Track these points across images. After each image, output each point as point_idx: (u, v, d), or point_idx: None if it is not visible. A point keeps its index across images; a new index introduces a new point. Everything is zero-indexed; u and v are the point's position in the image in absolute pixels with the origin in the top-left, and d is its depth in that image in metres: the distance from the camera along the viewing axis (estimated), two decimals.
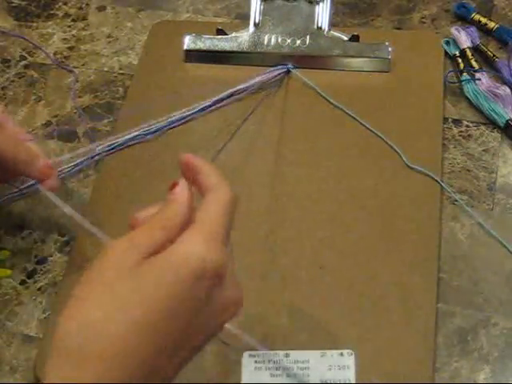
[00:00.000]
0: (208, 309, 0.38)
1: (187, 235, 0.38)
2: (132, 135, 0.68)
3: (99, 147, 0.67)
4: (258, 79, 0.70)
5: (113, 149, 0.68)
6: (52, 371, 0.35)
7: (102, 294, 0.36)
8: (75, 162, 0.67)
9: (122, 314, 0.35)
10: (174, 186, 0.41)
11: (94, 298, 0.37)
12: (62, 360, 0.35)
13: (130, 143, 0.68)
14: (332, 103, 0.68)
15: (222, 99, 0.70)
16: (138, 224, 0.41)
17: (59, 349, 0.35)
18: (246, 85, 0.70)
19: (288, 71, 0.71)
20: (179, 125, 0.69)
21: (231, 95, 0.70)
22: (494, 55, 0.70)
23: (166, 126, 0.69)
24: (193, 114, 0.69)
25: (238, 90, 0.70)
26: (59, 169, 0.66)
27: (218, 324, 0.40)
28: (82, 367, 0.34)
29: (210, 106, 0.70)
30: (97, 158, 0.68)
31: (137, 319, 0.35)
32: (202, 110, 0.69)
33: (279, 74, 0.71)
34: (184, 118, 0.69)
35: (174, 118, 0.69)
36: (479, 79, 0.68)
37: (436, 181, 0.62)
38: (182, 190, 0.41)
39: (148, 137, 0.68)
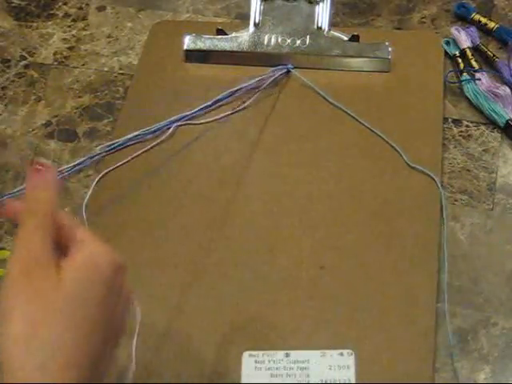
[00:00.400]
0: (122, 295, 0.42)
1: (87, 240, 0.42)
2: (132, 135, 0.68)
3: (99, 147, 0.68)
4: (257, 79, 0.70)
5: (113, 149, 0.68)
6: None
7: (25, 304, 0.38)
8: (75, 162, 0.67)
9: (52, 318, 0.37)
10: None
11: (18, 309, 0.38)
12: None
13: (129, 143, 0.68)
14: (332, 103, 0.68)
15: (221, 99, 0.70)
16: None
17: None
18: (246, 85, 0.70)
19: (288, 71, 0.71)
20: (179, 125, 0.69)
21: (231, 95, 0.70)
22: (493, 55, 0.70)
23: (165, 126, 0.69)
24: (193, 114, 0.69)
25: (237, 90, 0.70)
26: (59, 169, 0.67)
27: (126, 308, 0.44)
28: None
29: (209, 105, 0.70)
30: (97, 158, 0.68)
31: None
32: (202, 109, 0.69)
33: (279, 75, 0.71)
34: (184, 118, 0.69)
35: (173, 118, 0.69)
36: (479, 79, 0.68)
37: (436, 181, 0.62)
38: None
39: (148, 137, 0.68)
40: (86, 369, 0.37)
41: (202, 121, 0.69)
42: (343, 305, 0.56)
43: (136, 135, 0.68)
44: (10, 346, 0.36)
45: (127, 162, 0.67)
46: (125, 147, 0.68)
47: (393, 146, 0.64)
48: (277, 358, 0.53)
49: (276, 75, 0.70)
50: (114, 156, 0.67)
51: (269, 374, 0.53)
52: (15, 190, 0.66)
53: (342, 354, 0.53)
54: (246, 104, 0.69)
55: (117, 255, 0.42)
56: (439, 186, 0.61)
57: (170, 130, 0.68)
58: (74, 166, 0.67)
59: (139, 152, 0.67)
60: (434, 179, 0.62)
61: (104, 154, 0.68)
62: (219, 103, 0.70)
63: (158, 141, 0.68)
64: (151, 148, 0.68)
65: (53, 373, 0.36)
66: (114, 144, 0.68)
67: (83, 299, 0.38)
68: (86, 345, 0.37)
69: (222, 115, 0.69)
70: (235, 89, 0.70)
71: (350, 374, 0.52)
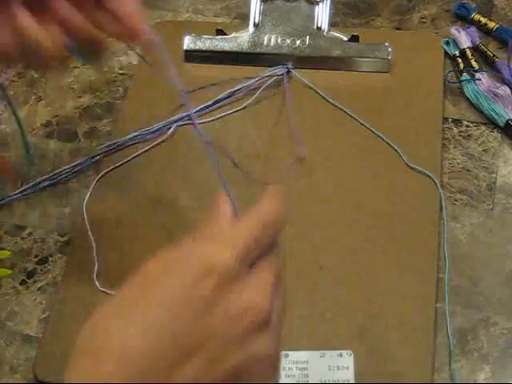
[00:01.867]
0: (218, 310, 0.35)
1: (198, 238, 0.38)
2: (132, 135, 0.68)
3: (99, 147, 0.68)
4: (257, 79, 0.70)
5: (113, 149, 0.68)
6: (72, 369, 0.37)
7: (118, 300, 0.37)
8: (75, 163, 0.67)
9: (129, 318, 0.36)
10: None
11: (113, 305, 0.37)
12: (82, 358, 0.37)
13: (129, 143, 0.68)
14: (332, 103, 0.68)
15: (221, 99, 0.70)
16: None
17: (81, 349, 0.37)
18: (246, 84, 0.70)
19: (288, 71, 0.71)
20: (179, 125, 0.69)
21: (231, 95, 0.70)
22: (494, 55, 0.70)
23: (165, 126, 0.69)
24: (193, 113, 0.69)
25: (238, 90, 0.70)
26: (57, 171, 0.67)
27: (239, 333, 0.36)
28: (101, 364, 0.35)
29: (209, 106, 0.70)
30: (97, 157, 0.68)
31: (137, 321, 0.35)
32: (203, 109, 0.69)
33: (279, 75, 0.71)
34: (184, 118, 0.69)
35: (174, 118, 0.69)
36: (479, 79, 0.68)
37: (436, 181, 0.62)
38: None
39: (148, 137, 0.68)
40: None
41: (202, 121, 0.69)
42: (342, 305, 0.56)
43: (136, 135, 0.68)
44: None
45: (127, 161, 0.67)
46: (125, 147, 0.68)
47: (392, 147, 0.64)
48: None
49: (276, 75, 0.70)
50: (114, 156, 0.67)
51: None
52: (17, 192, 0.66)
53: (341, 355, 0.53)
54: (245, 104, 0.69)
55: (223, 256, 0.36)
56: (439, 186, 0.61)
57: (171, 130, 0.68)
58: (74, 166, 0.67)
59: (139, 152, 0.67)
60: (433, 179, 0.62)
61: (104, 154, 0.68)
62: (219, 103, 0.70)
63: (159, 140, 0.68)
64: (151, 148, 0.68)
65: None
66: (114, 144, 0.68)
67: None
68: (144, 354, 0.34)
69: (223, 115, 0.69)
70: (235, 89, 0.70)
71: (349, 375, 0.52)
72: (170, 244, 0.38)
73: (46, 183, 0.67)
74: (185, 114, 0.69)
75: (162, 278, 0.36)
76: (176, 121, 0.69)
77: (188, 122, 0.69)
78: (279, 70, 0.71)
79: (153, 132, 0.68)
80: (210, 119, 0.69)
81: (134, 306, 0.36)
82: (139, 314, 0.35)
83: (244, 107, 0.69)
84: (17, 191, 0.66)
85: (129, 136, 0.68)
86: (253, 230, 0.38)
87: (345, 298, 0.56)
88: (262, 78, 0.70)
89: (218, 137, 0.67)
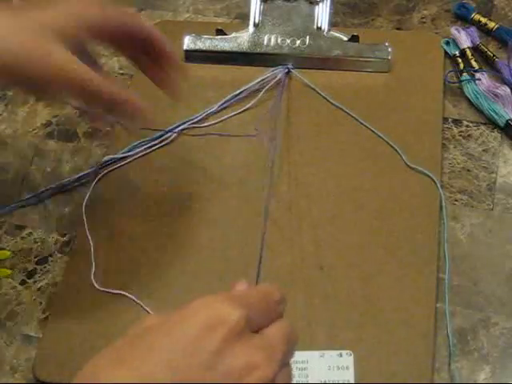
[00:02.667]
0: (221, 366, 0.34)
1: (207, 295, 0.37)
2: (132, 145, 0.68)
3: (105, 158, 0.67)
4: (259, 80, 0.70)
5: (116, 159, 0.68)
6: None
7: (114, 349, 0.36)
8: (78, 175, 0.67)
9: (123, 368, 0.34)
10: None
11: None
12: None
13: (135, 151, 0.68)
14: (332, 103, 0.68)
15: (225, 103, 0.70)
16: None
17: None
18: (248, 86, 0.70)
19: (288, 71, 0.71)
20: (183, 129, 0.69)
21: (234, 98, 0.70)
22: (494, 55, 0.70)
23: (169, 131, 0.68)
24: (196, 118, 0.69)
25: (240, 93, 0.70)
26: (61, 182, 0.67)
27: None
28: None
29: (214, 112, 0.69)
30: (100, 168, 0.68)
31: (139, 375, 0.33)
32: (207, 115, 0.69)
33: (280, 75, 0.70)
34: (188, 122, 0.69)
35: (177, 124, 0.69)
36: (479, 79, 0.68)
37: (435, 181, 0.62)
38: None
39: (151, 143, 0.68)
40: None
41: (205, 124, 0.69)
42: (342, 305, 0.56)
43: (140, 142, 0.68)
44: None
45: (128, 162, 0.67)
46: (127, 157, 0.68)
47: (392, 147, 0.64)
48: None
49: (278, 76, 0.70)
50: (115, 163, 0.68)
51: None
52: (16, 202, 0.66)
53: (340, 355, 0.53)
54: (248, 106, 0.69)
55: (230, 310, 0.36)
56: (438, 186, 0.61)
57: (174, 135, 0.68)
58: (79, 178, 0.67)
59: (141, 154, 0.67)
60: (433, 179, 0.62)
61: (107, 164, 0.67)
62: (222, 106, 0.70)
63: (160, 144, 0.68)
64: (152, 151, 0.68)
65: None
66: (117, 156, 0.67)
67: None
68: None
69: (225, 117, 0.69)
70: (238, 92, 0.70)
71: (349, 375, 0.52)
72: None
73: (49, 193, 0.67)
74: (188, 118, 0.69)
75: (162, 329, 0.35)
76: (180, 125, 0.69)
77: (191, 125, 0.69)
78: (280, 71, 0.70)
79: (156, 138, 0.68)
80: (212, 122, 0.69)
81: (129, 356, 0.34)
82: (134, 365, 0.34)
83: (246, 109, 0.69)
84: (17, 202, 0.66)
85: (134, 143, 0.68)
86: (261, 296, 0.38)
87: (345, 298, 0.56)
88: (264, 79, 0.70)
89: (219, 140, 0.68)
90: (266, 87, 0.70)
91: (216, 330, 0.34)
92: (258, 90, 0.70)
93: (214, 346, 0.34)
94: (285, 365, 0.37)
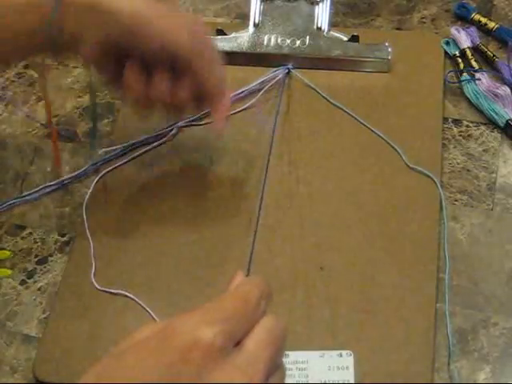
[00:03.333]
0: None
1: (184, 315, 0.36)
2: (133, 141, 0.68)
3: (101, 150, 0.67)
4: (260, 81, 0.70)
5: (116, 154, 0.68)
6: None
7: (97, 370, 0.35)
8: (78, 172, 0.67)
9: None
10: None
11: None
12: None
13: (131, 148, 0.68)
14: (332, 103, 0.68)
15: None
16: None
17: None
18: (249, 87, 0.70)
19: (288, 71, 0.71)
20: (181, 126, 0.69)
21: (234, 97, 0.70)
22: (494, 55, 0.70)
23: (168, 128, 0.68)
24: (196, 116, 0.69)
25: (240, 93, 0.70)
26: (60, 179, 0.67)
27: None
28: None
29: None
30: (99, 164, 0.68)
31: None
32: (206, 113, 0.69)
33: (280, 76, 0.70)
34: (186, 119, 0.69)
35: (174, 124, 0.69)
36: (479, 79, 0.68)
37: (435, 181, 0.62)
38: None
39: (150, 140, 0.68)
40: None
41: (204, 122, 0.69)
42: (342, 305, 0.56)
43: (138, 141, 0.68)
44: None
45: (127, 161, 0.67)
46: (127, 151, 0.68)
47: (393, 147, 0.64)
48: None
49: (278, 77, 0.70)
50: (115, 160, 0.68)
51: None
52: (16, 197, 0.66)
53: (340, 355, 0.53)
54: (247, 105, 0.69)
55: (207, 332, 0.35)
56: (438, 186, 0.61)
57: (173, 132, 0.68)
58: (78, 174, 0.67)
59: (140, 152, 0.68)
60: (433, 179, 0.62)
61: (106, 160, 0.67)
62: None
63: (160, 141, 0.68)
64: (152, 148, 0.68)
65: None
66: (116, 150, 0.67)
67: None
68: None
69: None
70: (238, 92, 0.70)
71: (349, 375, 0.52)
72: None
73: (48, 189, 0.67)
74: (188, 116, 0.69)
75: (141, 353, 0.35)
76: (176, 123, 0.69)
77: (190, 123, 0.69)
78: (280, 72, 0.70)
79: (156, 136, 0.68)
80: (212, 120, 0.69)
81: (111, 378, 0.34)
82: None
83: (246, 108, 0.69)
84: (17, 197, 0.66)
85: (133, 141, 0.68)
86: (238, 304, 0.37)
87: (345, 298, 0.56)
88: (264, 79, 0.70)
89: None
90: (266, 87, 0.70)
91: (191, 354, 0.33)
92: (258, 90, 0.70)
93: (192, 372, 0.33)
94: (276, 367, 0.37)
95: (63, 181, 0.67)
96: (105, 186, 0.66)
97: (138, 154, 0.67)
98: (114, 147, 0.67)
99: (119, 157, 0.68)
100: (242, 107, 0.69)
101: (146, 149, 0.68)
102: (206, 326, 0.34)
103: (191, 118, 0.69)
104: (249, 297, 0.38)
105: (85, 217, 0.63)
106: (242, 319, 0.37)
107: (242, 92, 0.70)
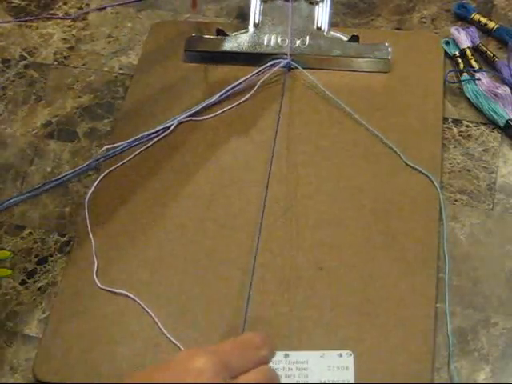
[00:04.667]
0: None
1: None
2: (137, 137, 0.68)
3: (104, 148, 0.67)
4: (257, 71, 0.70)
5: (117, 151, 0.68)
6: None
7: None
8: (78, 168, 0.67)
9: None
10: None
11: None
12: None
13: (134, 144, 0.68)
14: (332, 103, 0.68)
15: (223, 94, 0.70)
16: None
17: None
18: (246, 77, 0.69)
19: (289, 68, 0.71)
20: (181, 121, 0.69)
21: (232, 89, 0.70)
22: (493, 55, 0.70)
23: (168, 123, 0.68)
24: (193, 114, 0.69)
25: (238, 84, 0.70)
26: (60, 176, 0.67)
27: None
28: None
29: (210, 106, 0.69)
30: (101, 160, 0.68)
31: None
32: (207, 107, 0.69)
33: (278, 67, 0.70)
34: (186, 114, 0.69)
35: (174, 119, 0.69)
36: (479, 79, 0.68)
37: (436, 181, 0.62)
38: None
39: (151, 136, 0.68)
40: None
41: (203, 117, 0.69)
42: (342, 305, 0.56)
43: (138, 138, 0.68)
44: None
45: (129, 160, 0.67)
46: (129, 148, 0.68)
47: (392, 147, 0.64)
48: (276, 359, 0.53)
49: (276, 68, 0.70)
50: (115, 158, 0.67)
51: None
52: (18, 194, 0.66)
53: (340, 355, 0.53)
54: (246, 97, 0.69)
55: (198, 363, 0.39)
56: (438, 186, 0.61)
57: (172, 127, 0.68)
58: (78, 169, 0.67)
59: (141, 149, 0.68)
60: (433, 179, 0.62)
61: (108, 157, 0.67)
62: (221, 97, 0.70)
63: (160, 137, 0.68)
64: (153, 145, 0.68)
65: None
66: (119, 146, 0.67)
67: None
68: None
69: (224, 109, 0.69)
70: (236, 83, 0.69)
71: (349, 375, 0.52)
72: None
73: (48, 186, 0.67)
74: (187, 110, 0.69)
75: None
76: (178, 117, 0.69)
77: (190, 118, 0.69)
78: (278, 63, 0.70)
79: (156, 132, 0.68)
80: (212, 115, 0.69)
81: None
82: None
83: (245, 100, 0.69)
84: (17, 195, 0.66)
85: (134, 138, 0.68)
86: (238, 343, 0.41)
87: (344, 298, 0.56)
88: (263, 72, 0.70)
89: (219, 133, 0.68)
90: (264, 78, 0.69)
91: (185, 379, 0.37)
92: (257, 89, 0.70)
93: None
94: None
95: (63, 177, 0.67)
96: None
97: (139, 151, 0.67)
98: (116, 144, 0.67)
99: (120, 153, 0.67)
100: (239, 101, 0.69)
101: (146, 146, 0.68)
102: (199, 357, 0.38)
103: (190, 113, 0.69)
104: (248, 340, 0.42)
105: (86, 215, 0.63)
106: (240, 357, 0.40)
107: (240, 84, 0.70)
